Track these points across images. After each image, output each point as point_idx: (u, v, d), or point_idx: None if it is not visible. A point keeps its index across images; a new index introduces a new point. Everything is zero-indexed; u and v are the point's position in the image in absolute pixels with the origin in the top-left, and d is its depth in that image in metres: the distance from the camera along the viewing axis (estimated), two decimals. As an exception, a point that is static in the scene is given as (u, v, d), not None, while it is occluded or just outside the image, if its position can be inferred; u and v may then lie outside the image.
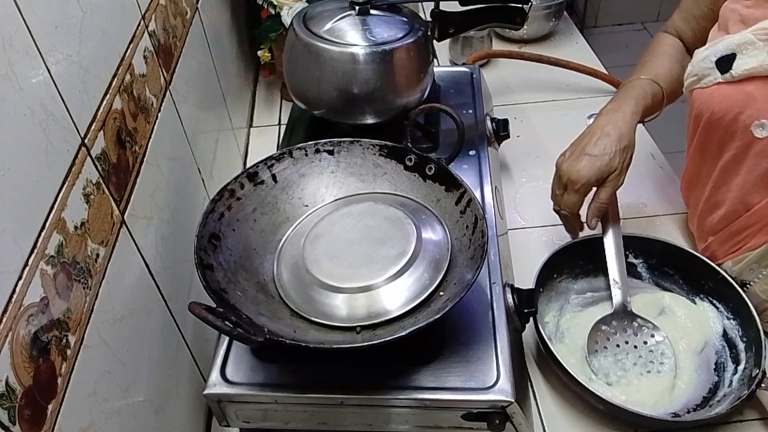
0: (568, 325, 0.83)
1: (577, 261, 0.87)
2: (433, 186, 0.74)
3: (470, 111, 0.99)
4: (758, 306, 0.78)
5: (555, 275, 0.86)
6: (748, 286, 0.81)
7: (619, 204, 0.87)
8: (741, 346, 0.76)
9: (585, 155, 0.80)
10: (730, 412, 0.69)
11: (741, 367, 0.74)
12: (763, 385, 0.69)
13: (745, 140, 0.74)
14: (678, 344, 0.78)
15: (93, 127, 0.54)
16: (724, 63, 0.73)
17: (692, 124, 0.83)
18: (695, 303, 0.83)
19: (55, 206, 0.47)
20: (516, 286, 0.74)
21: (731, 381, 0.74)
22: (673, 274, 0.85)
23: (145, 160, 0.65)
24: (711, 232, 0.86)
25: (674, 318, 0.82)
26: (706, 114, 0.77)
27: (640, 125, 0.85)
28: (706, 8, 0.88)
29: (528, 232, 0.99)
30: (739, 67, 0.71)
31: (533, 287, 0.78)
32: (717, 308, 0.81)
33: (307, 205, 0.76)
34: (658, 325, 0.80)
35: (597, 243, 0.85)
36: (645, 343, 0.79)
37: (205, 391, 0.64)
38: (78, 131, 0.52)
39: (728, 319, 0.79)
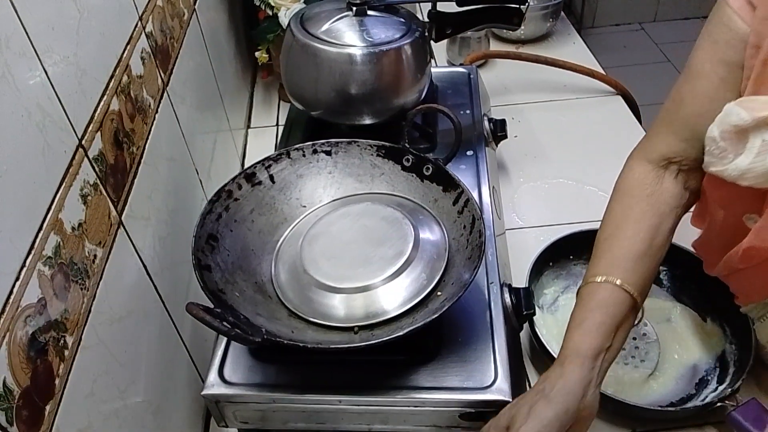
0: (566, 302, 0.85)
1: None
2: (430, 186, 0.74)
3: (468, 111, 1.00)
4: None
5: (571, 257, 0.87)
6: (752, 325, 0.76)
7: None
8: (731, 369, 0.75)
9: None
10: (687, 415, 0.69)
11: (722, 387, 0.73)
12: (727, 401, 0.68)
13: (742, 227, 0.63)
14: (670, 352, 0.78)
15: (90, 128, 0.54)
16: None
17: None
18: (705, 321, 0.81)
19: (53, 207, 0.47)
20: (514, 285, 0.74)
21: (706, 396, 0.73)
22: (693, 289, 0.84)
23: (142, 161, 0.65)
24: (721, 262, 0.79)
25: (677, 329, 0.81)
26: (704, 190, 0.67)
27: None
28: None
29: (525, 232, 0.99)
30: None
31: (531, 278, 0.78)
32: (724, 331, 0.79)
33: (304, 206, 0.76)
34: (657, 330, 0.80)
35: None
36: (633, 338, 0.79)
37: (203, 392, 0.64)
38: (75, 132, 0.52)
39: (730, 343, 0.77)
